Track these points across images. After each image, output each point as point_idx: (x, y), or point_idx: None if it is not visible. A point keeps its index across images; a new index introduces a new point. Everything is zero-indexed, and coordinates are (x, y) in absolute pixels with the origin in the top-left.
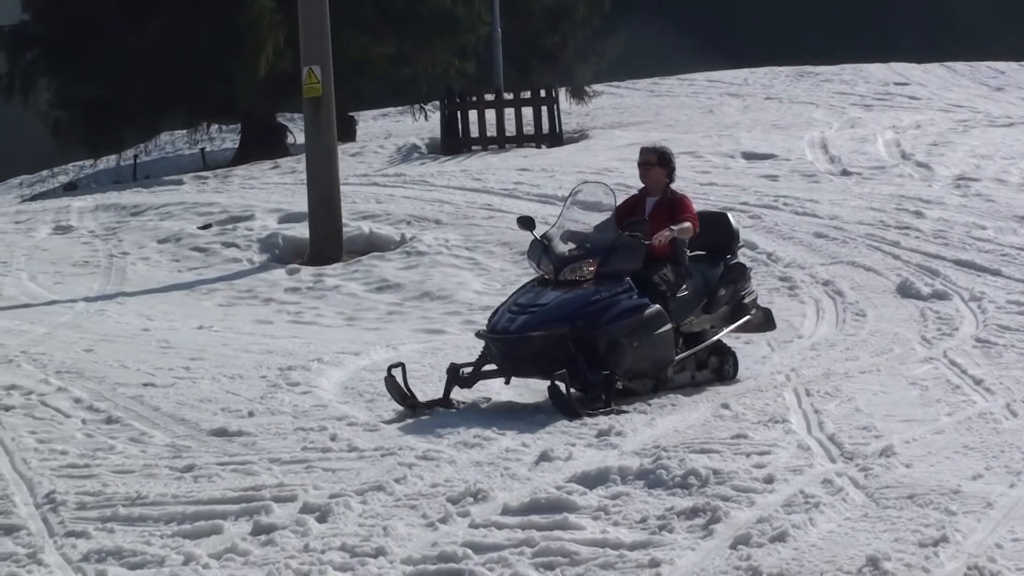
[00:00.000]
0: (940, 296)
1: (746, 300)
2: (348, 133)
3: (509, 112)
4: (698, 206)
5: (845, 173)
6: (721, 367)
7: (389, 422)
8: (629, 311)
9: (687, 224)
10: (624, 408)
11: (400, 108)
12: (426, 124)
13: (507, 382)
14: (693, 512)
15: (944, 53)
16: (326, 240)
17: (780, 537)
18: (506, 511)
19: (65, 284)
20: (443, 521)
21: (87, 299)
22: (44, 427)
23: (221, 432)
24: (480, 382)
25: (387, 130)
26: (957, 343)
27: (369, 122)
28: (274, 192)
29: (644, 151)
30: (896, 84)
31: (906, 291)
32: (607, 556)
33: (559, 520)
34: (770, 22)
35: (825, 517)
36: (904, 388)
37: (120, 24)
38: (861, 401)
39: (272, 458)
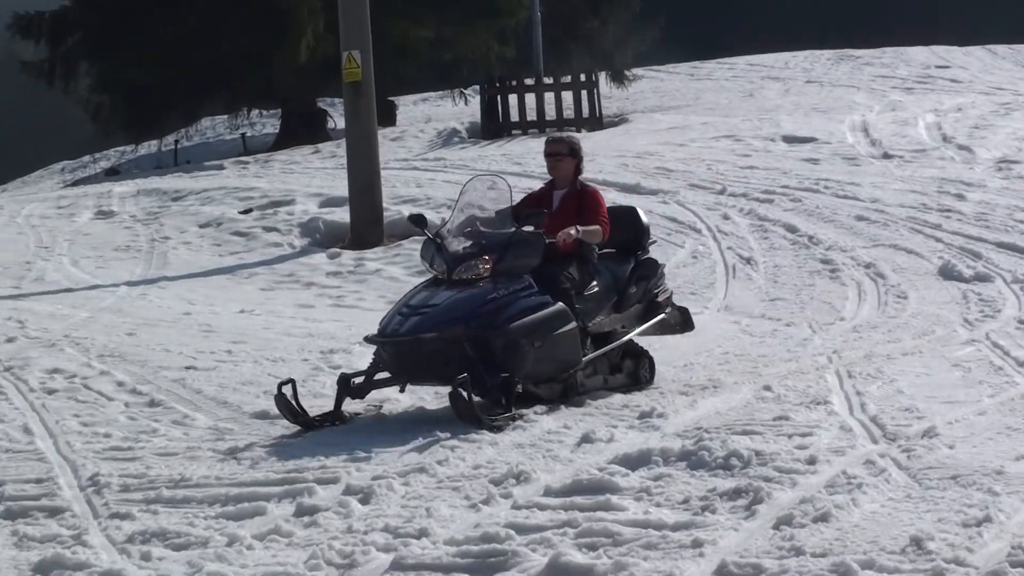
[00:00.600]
0: (982, 278)
1: (660, 299)
2: (388, 118)
3: (549, 96)
4: (736, 189)
5: (886, 156)
6: (636, 371)
7: (429, 406)
8: (528, 310)
9: (596, 228)
10: (523, 411)
11: (440, 92)
12: (466, 108)
13: (402, 390)
14: (735, 493)
15: (986, 36)
16: (367, 224)
17: (823, 517)
18: (548, 492)
19: (107, 269)
20: (485, 502)
21: (129, 283)
22: (87, 410)
23: (263, 415)
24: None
25: (427, 114)
26: (999, 325)
27: (409, 107)
28: (315, 177)
29: (553, 141)
30: (937, 67)
31: (948, 273)
32: (650, 536)
33: (601, 501)
34: (811, 5)
35: (868, 498)
36: (946, 370)
37: (161, 9)
38: (903, 383)
39: (314, 440)
